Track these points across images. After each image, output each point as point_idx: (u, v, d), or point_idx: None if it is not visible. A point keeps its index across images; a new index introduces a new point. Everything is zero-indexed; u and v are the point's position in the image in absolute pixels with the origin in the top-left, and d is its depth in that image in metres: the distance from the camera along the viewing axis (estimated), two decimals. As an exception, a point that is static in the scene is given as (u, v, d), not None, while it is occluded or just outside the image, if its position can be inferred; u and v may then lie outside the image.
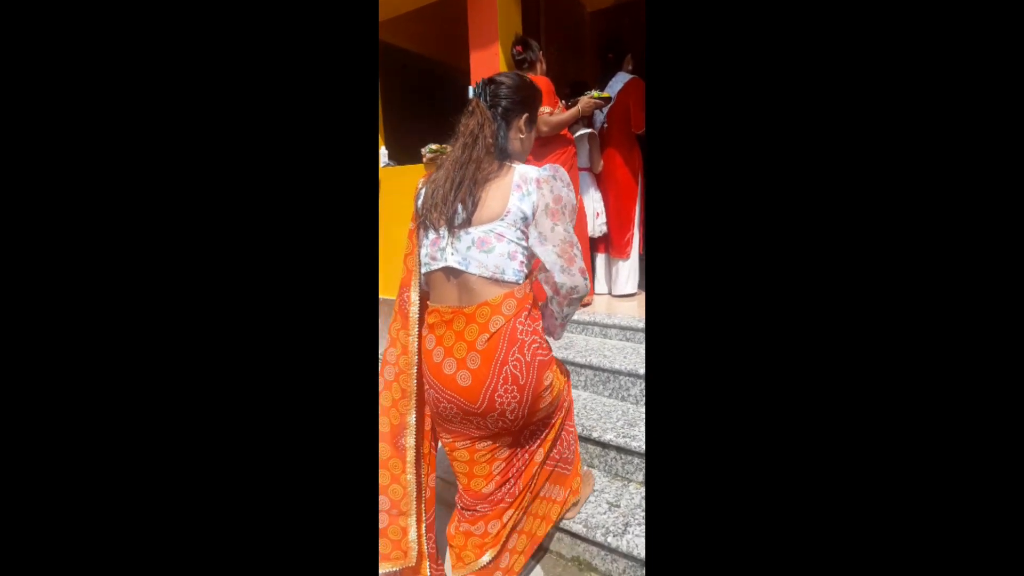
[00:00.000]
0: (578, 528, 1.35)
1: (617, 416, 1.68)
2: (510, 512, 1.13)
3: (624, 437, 1.53)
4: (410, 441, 1.12)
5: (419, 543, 1.12)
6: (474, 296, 0.99)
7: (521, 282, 1.01)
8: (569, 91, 2.49)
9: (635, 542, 1.27)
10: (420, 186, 1.10)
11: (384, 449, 1.13)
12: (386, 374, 1.13)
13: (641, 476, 1.52)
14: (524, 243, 1.00)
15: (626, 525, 1.33)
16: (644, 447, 1.48)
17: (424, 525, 1.15)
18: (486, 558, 1.11)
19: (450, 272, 1.01)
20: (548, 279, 1.03)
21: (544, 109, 2.08)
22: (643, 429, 1.57)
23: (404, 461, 1.13)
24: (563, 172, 1.05)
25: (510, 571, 1.16)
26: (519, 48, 2.21)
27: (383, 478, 1.13)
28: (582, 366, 1.89)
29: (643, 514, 1.37)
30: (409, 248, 1.12)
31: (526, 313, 1.01)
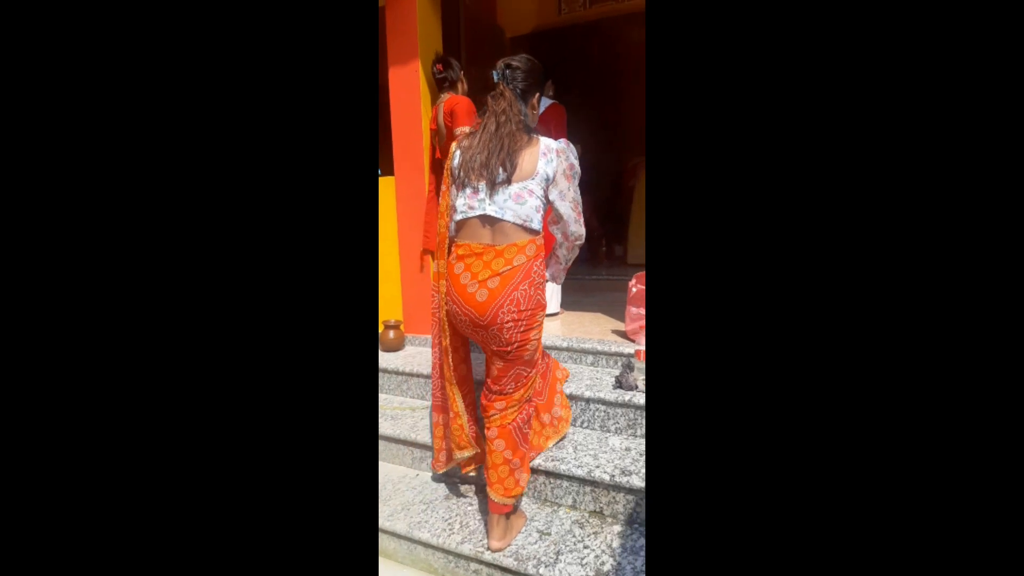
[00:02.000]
0: (508, 562, 1.29)
1: (545, 439, 1.66)
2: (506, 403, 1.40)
3: (553, 460, 1.51)
4: (449, 360, 1.45)
5: (474, 435, 1.49)
6: (506, 238, 1.27)
7: (540, 231, 1.30)
8: (491, 112, 2.50)
9: (567, 571, 1.24)
10: (453, 150, 1.37)
11: (443, 373, 1.48)
12: (436, 310, 1.46)
13: (570, 500, 1.50)
14: (544, 200, 1.30)
15: (557, 554, 1.30)
16: (572, 470, 1.46)
17: (472, 420, 1.50)
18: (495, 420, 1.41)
19: (486, 219, 1.27)
20: (562, 227, 1.34)
21: (464, 129, 2.06)
22: (571, 452, 1.56)
23: (449, 379, 1.47)
24: (572, 146, 1.33)
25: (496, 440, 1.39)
26: (440, 67, 2.18)
27: (448, 389, 1.48)
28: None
29: (574, 540, 1.35)
30: (444, 204, 1.42)
31: (540, 260, 1.31)
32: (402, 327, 2.43)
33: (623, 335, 2.07)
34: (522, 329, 1.28)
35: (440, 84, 2.21)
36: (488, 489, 1.38)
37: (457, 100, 2.11)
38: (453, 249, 1.34)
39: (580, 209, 1.33)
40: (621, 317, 2.16)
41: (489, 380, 1.40)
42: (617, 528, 1.39)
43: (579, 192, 1.33)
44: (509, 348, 1.29)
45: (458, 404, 1.48)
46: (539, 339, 1.36)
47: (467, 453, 1.50)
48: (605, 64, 4.51)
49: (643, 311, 1.96)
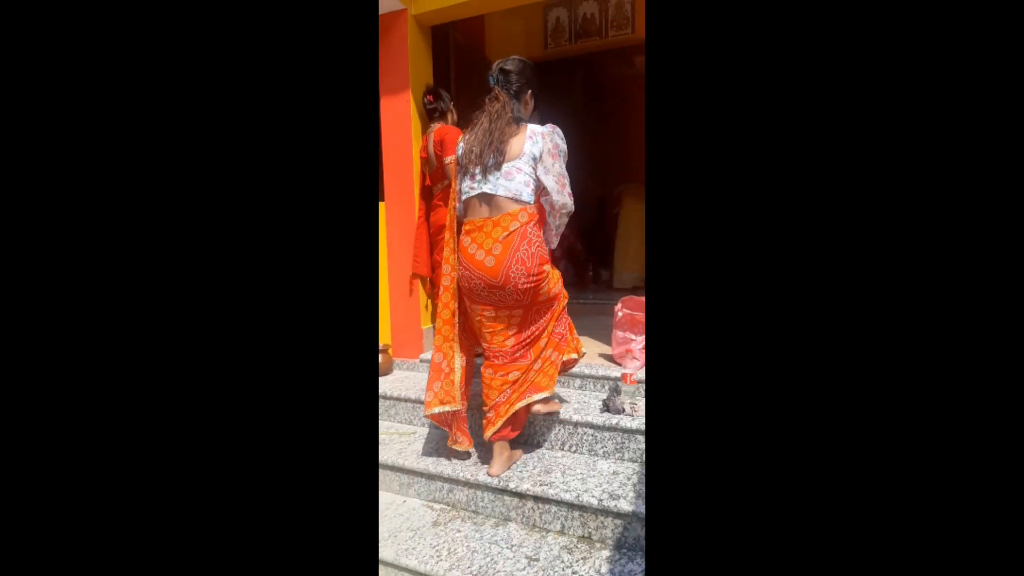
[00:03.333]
0: (497, 589, 1.28)
1: (533, 463, 1.66)
2: (524, 367, 1.60)
3: (541, 485, 1.51)
4: (455, 321, 1.65)
5: (459, 391, 1.65)
6: (500, 210, 1.51)
7: (532, 202, 1.53)
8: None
9: (556, 598, 1.22)
10: (459, 142, 1.62)
11: (442, 338, 1.66)
12: (444, 281, 1.65)
13: (559, 525, 1.50)
14: (534, 175, 1.52)
15: (546, 580, 1.29)
16: (560, 494, 1.46)
17: (464, 381, 1.69)
18: (503, 396, 1.60)
19: (483, 197, 1.53)
20: (548, 199, 1.55)
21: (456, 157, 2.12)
22: (560, 476, 1.56)
23: (454, 332, 1.66)
24: (559, 129, 1.55)
25: (513, 404, 1.60)
26: (430, 98, 2.25)
27: (443, 349, 1.65)
28: (497, 413, 1.86)
29: (562, 566, 1.34)
30: (453, 190, 1.67)
31: (534, 223, 1.52)
32: (390, 351, 2.43)
33: (610, 359, 2.10)
34: (532, 282, 1.51)
35: (430, 114, 2.28)
36: (528, 393, 1.60)
37: (447, 130, 2.17)
38: (462, 227, 1.60)
39: (565, 182, 1.54)
40: (608, 341, 2.19)
41: (516, 343, 1.59)
42: (606, 553, 1.39)
43: (564, 168, 1.55)
44: (525, 298, 1.53)
45: (455, 362, 1.65)
46: (550, 284, 1.58)
47: (450, 408, 1.63)
48: (589, 96, 4.67)
49: (629, 335, 1.99)
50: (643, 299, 2.01)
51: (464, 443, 1.68)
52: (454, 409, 1.63)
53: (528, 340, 1.60)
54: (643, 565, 1.32)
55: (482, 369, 1.65)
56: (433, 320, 2.47)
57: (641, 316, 1.99)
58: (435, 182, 2.26)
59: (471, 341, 1.74)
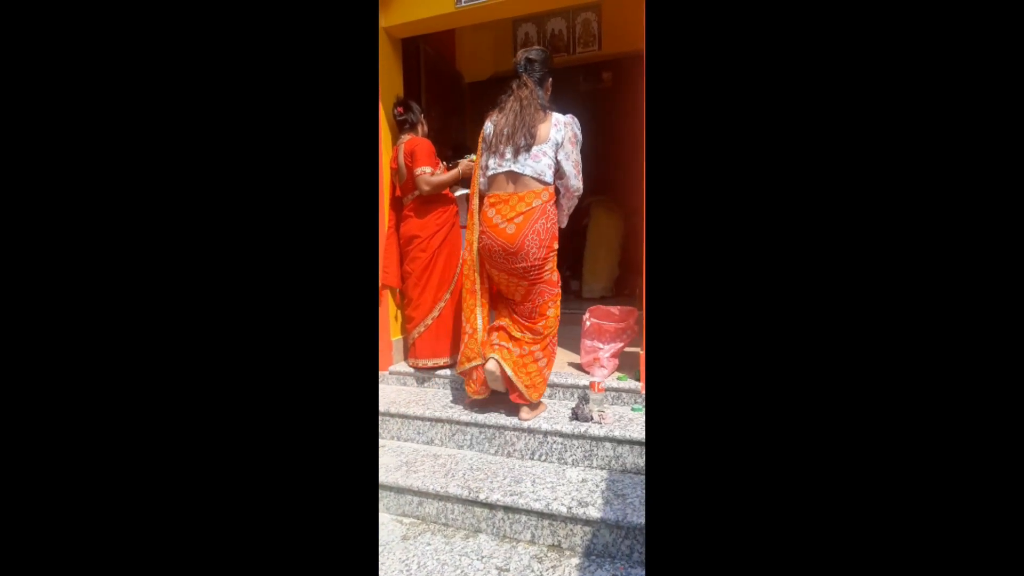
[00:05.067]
0: (467, 601, 1.27)
1: (503, 474, 1.66)
2: (523, 341, 1.82)
3: (512, 495, 1.51)
4: (478, 286, 1.87)
5: (480, 347, 1.85)
6: (525, 187, 1.72)
7: (551, 183, 1.75)
8: (451, 153, 2.59)
9: (526, 607, 1.23)
10: (487, 121, 1.82)
11: (466, 296, 1.90)
12: (464, 254, 1.92)
13: (529, 535, 1.50)
14: (555, 159, 1.73)
15: (516, 590, 1.29)
16: (530, 504, 1.47)
17: (485, 338, 1.87)
18: (505, 350, 1.81)
19: (510, 175, 1.73)
20: (564, 182, 1.77)
21: (426, 169, 2.13)
22: (529, 485, 1.57)
23: (475, 299, 1.87)
24: (576, 119, 1.77)
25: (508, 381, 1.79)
26: (400, 109, 2.25)
27: (466, 312, 1.89)
28: (467, 424, 1.87)
29: None
30: (476, 164, 1.88)
31: (552, 203, 1.76)
32: (358, 363, 2.39)
33: (579, 367, 2.13)
34: (543, 253, 1.72)
35: (401, 126, 2.28)
36: (525, 395, 1.78)
37: (417, 141, 2.18)
38: (485, 200, 1.80)
39: (579, 168, 1.77)
40: (577, 350, 2.23)
41: (516, 315, 1.83)
42: (575, 561, 1.40)
43: (580, 155, 1.77)
44: (532, 273, 1.73)
45: (477, 322, 1.86)
46: (554, 265, 1.80)
47: (475, 363, 1.85)
48: (558, 110, 4.74)
49: (597, 344, 2.03)
50: (610, 309, 2.06)
51: (478, 390, 1.88)
52: (478, 364, 1.85)
53: (531, 311, 1.81)
54: (611, 571, 1.35)
55: (492, 310, 1.87)
56: (402, 331, 2.46)
57: (608, 325, 2.03)
58: (405, 193, 2.26)
59: (492, 297, 1.93)
